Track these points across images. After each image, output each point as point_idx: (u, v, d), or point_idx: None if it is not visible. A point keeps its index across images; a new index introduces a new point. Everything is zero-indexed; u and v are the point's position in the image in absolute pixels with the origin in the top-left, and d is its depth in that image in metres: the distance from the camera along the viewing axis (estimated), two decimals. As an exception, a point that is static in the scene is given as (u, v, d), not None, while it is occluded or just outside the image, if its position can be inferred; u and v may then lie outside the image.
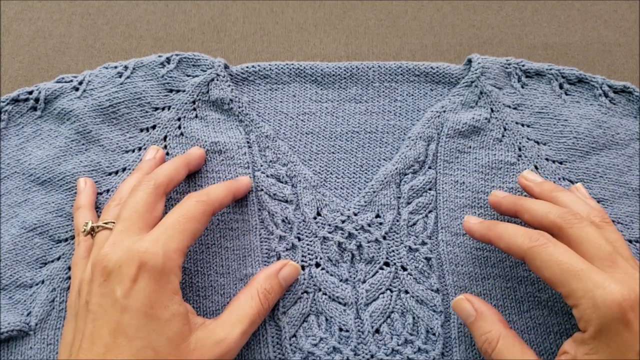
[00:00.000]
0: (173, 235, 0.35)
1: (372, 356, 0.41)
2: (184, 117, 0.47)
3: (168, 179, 0.40)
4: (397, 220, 0.45)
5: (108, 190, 0.45)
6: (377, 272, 0.43)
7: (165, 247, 0.35)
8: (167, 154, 0.46)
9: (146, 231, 0.36)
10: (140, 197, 0.38)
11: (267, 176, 0.45)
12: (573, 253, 0.35)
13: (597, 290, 0.32)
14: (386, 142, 0.48)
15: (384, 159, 0.47)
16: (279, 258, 0.43)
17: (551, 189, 0.42)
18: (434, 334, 0.42)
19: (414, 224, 0.44)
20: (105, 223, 0.39)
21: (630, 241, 0.44)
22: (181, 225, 0.36)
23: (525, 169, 0.46)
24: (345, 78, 0.49)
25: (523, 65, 0.49)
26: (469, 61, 0.49)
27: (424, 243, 0.44)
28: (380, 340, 0.42)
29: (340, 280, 0.43)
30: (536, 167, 0.46)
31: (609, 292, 0.32)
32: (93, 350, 0.32)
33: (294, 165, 0.46)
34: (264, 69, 0.49)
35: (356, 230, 0.44)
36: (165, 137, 0.46)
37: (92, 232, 0.40)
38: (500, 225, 0.38)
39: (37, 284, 0.42)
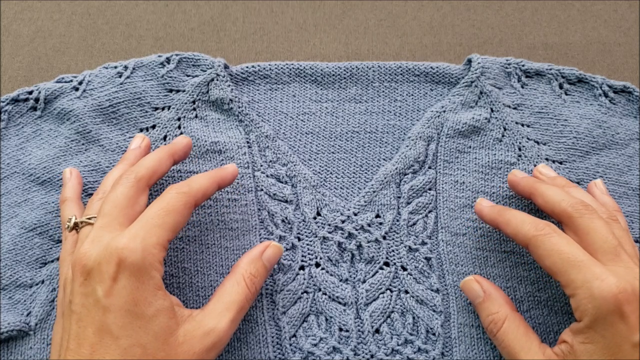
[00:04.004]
0: (152, 230, 0.34)
1: (372, 356, 0.41)
2: (184, 117, 0.47)
3: (150, 171, 0.38)
4: (397, 220, 0.45)
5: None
6: (377, 272, 0.43)
7: (144, 243, 0.33)
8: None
9: (127, 226, 0.35)
10: (121, 191, 0.37)
11: (267, 176, 0.45)
12: (576, 245, 0.35)
13: (594, 282, 0.33)
14: (386, 142, 0.48)
15: (384, 159, 0.47)
16: (279, 258, 0.43)
17: (564, 184, 0.42)
18: (434, 334, 0.42)
19: (414, 224, 0.44)
20: (89, 218, 0.38)
21: (630, 241, 0.44)
22: (160, 218, 0.35)
23: (526, 169, 0.46)
24: (345, 78, 0.49)
25: (523, 65, 0.49)
26: (469, 61, 0.49)
27: (424, 243, 0.44)
28: (380, 340, 0.42)
29: (340, 280, 0.43)
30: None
31: (606, 284, 0.32)
32: (80, 351, 0.32)
33: (294, 165, 0.46)
34: (264, 69, 0.49)
35: (356, 230, 0.44)
36: (165, 137, 0.46)
37: (76, 227, 0.39)
38: (510, 212, 0.39)
39: (37, 284, 0.42)
